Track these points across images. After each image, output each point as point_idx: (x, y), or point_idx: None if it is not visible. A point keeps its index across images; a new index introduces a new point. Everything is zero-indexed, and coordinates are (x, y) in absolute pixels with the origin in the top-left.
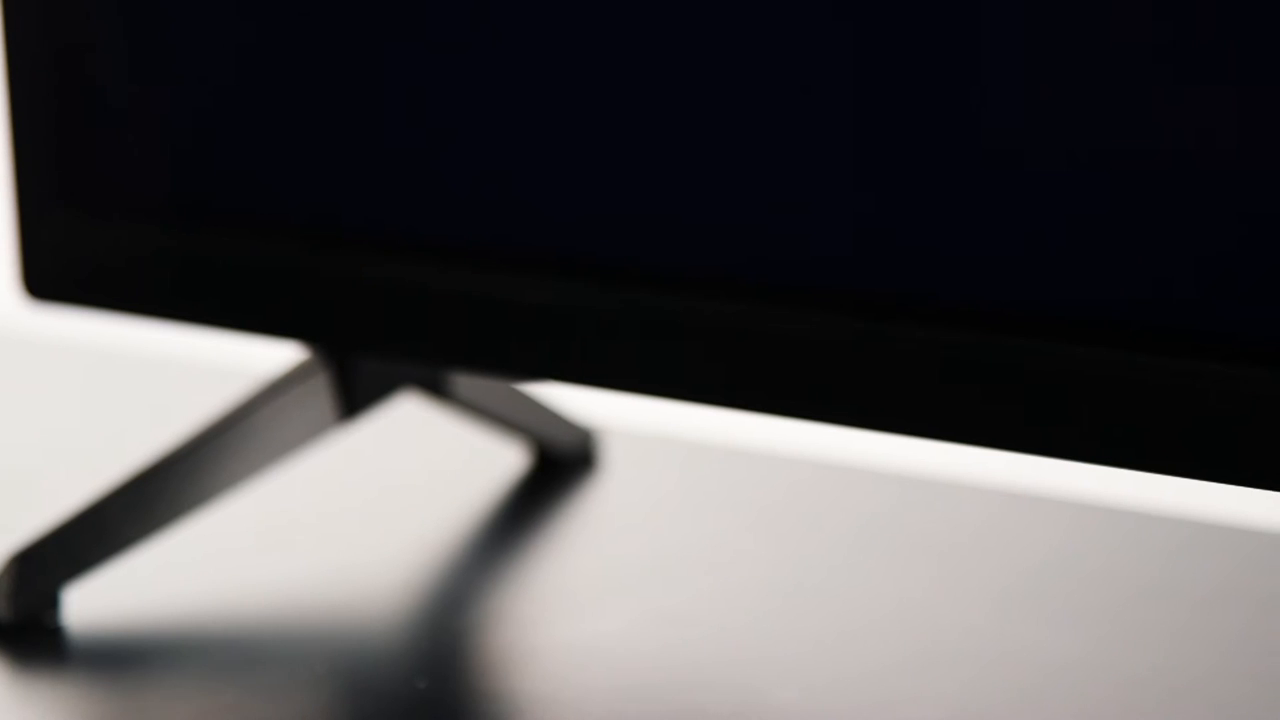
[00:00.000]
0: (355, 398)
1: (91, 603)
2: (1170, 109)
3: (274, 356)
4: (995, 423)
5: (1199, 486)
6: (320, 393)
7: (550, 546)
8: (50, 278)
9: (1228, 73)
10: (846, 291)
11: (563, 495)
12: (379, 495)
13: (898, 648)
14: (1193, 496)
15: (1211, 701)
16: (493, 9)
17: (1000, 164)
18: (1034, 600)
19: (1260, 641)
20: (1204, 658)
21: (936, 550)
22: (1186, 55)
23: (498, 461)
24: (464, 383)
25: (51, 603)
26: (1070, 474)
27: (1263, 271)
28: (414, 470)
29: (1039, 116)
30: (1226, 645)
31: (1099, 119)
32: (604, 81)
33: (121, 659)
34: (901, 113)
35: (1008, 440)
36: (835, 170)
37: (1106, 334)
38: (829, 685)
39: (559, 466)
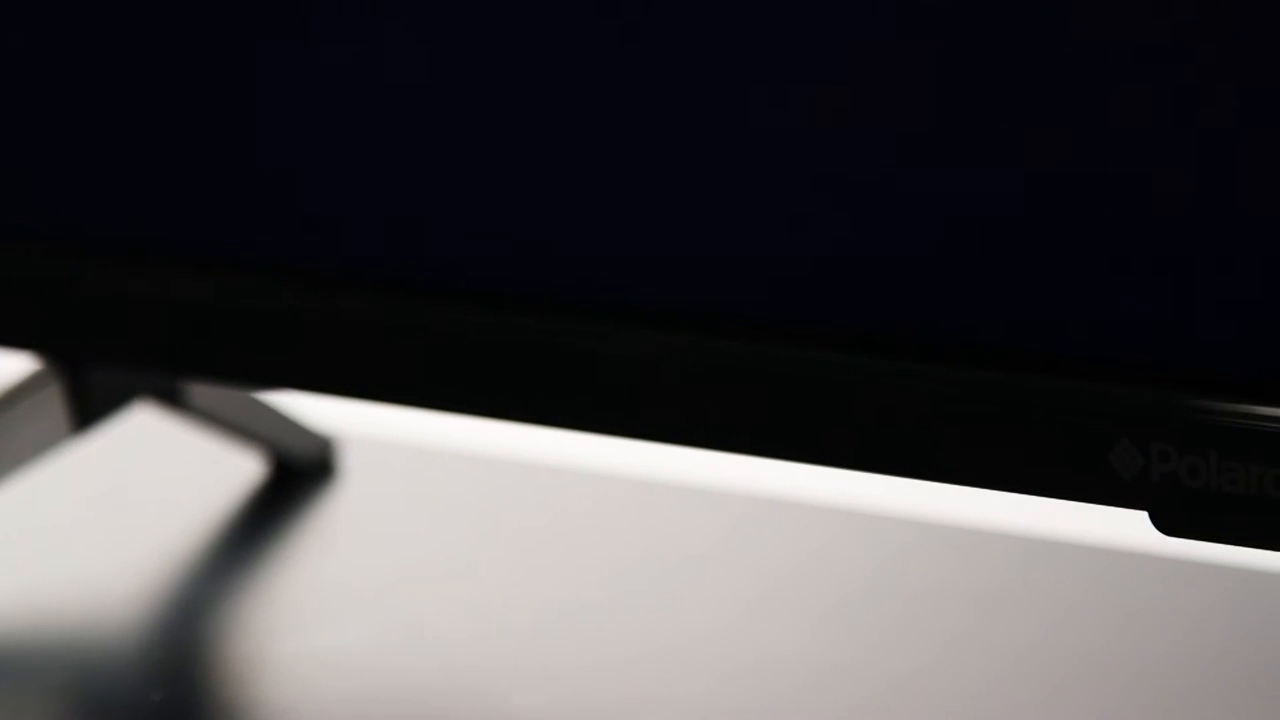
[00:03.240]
0: (89, 409)
1: None
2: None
3: (4, 368)
4: (737, 426)
5: (940, 489)
6: (53, 404)
7: (289, 556)
8: None
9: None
10: (581, 297)
11: (301, 504)
12: (114, 506)
13: (642, 652)
14: (938, 500)
15: (975, 699)
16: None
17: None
18: (779, 602)
19: (1014, 639)
20: (929, 654)
21: (681, 554)
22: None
23: (235, 471)
24: (199, 392)
25: None
26: (813, 478)
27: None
28: (150, 481)
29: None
30: (952, 641)
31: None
32: (325, 78)
33: None
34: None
35: (746, 446)
36: (541, 173)
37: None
38: (572, 692)
39: (297, 475)
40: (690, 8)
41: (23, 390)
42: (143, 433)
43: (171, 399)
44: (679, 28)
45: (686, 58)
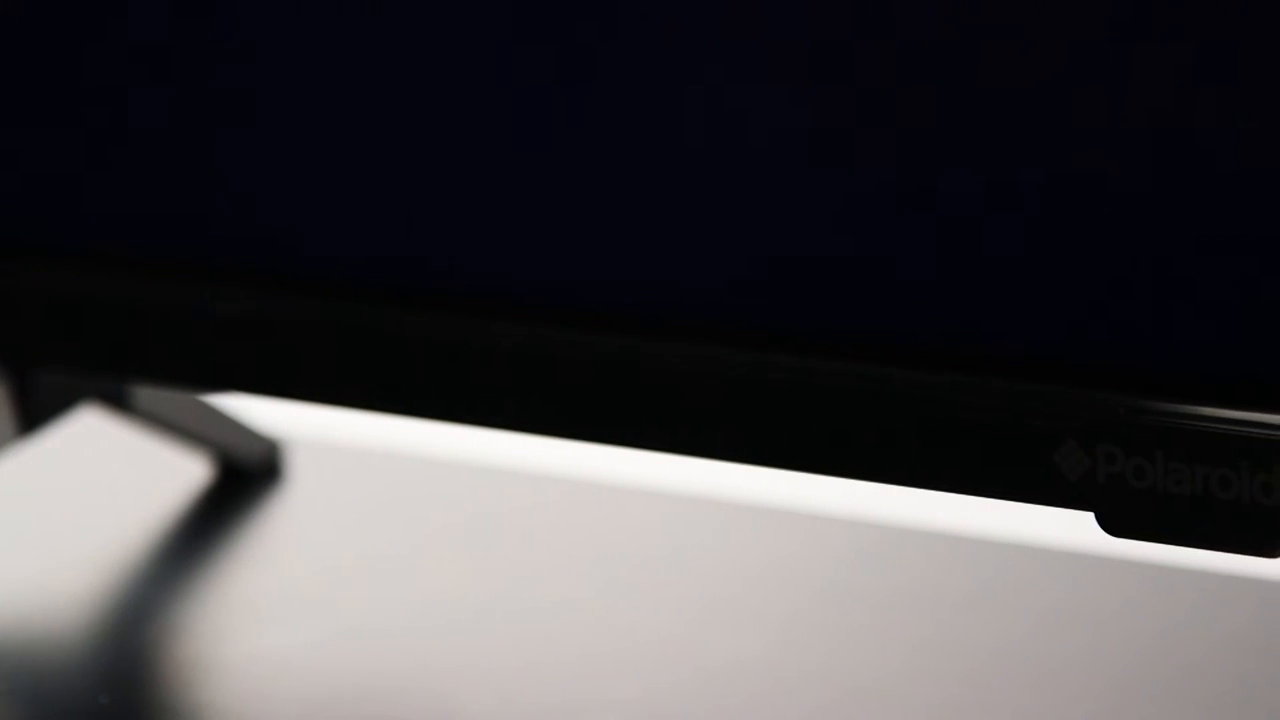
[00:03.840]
0: (35, 411)
1: None
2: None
3: None
4: (684, 429)
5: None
6: None
7: (236, 558)
8: None
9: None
10: (530, 300)
11: (248, 507)
12: (61, 510)
13: (592, 653)
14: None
15: (930, 703)
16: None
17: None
18: (731, 605)
19: (950, 643)
20: (890, 658)
21: (626, 556)
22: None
23: (182, 473)
24: (146, 395)
25: None
26: (766, 481)
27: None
28: (96, 484)
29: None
30: (914, 645)
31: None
32: (277, 82)
33: None
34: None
35: (693, 448)
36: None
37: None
38: (522, 692)
39: (244, 478)
40: (660, 12)
41: None
42: (89, 436)
43: (118, 402)
44: (642, 30)
45: (637, 59)
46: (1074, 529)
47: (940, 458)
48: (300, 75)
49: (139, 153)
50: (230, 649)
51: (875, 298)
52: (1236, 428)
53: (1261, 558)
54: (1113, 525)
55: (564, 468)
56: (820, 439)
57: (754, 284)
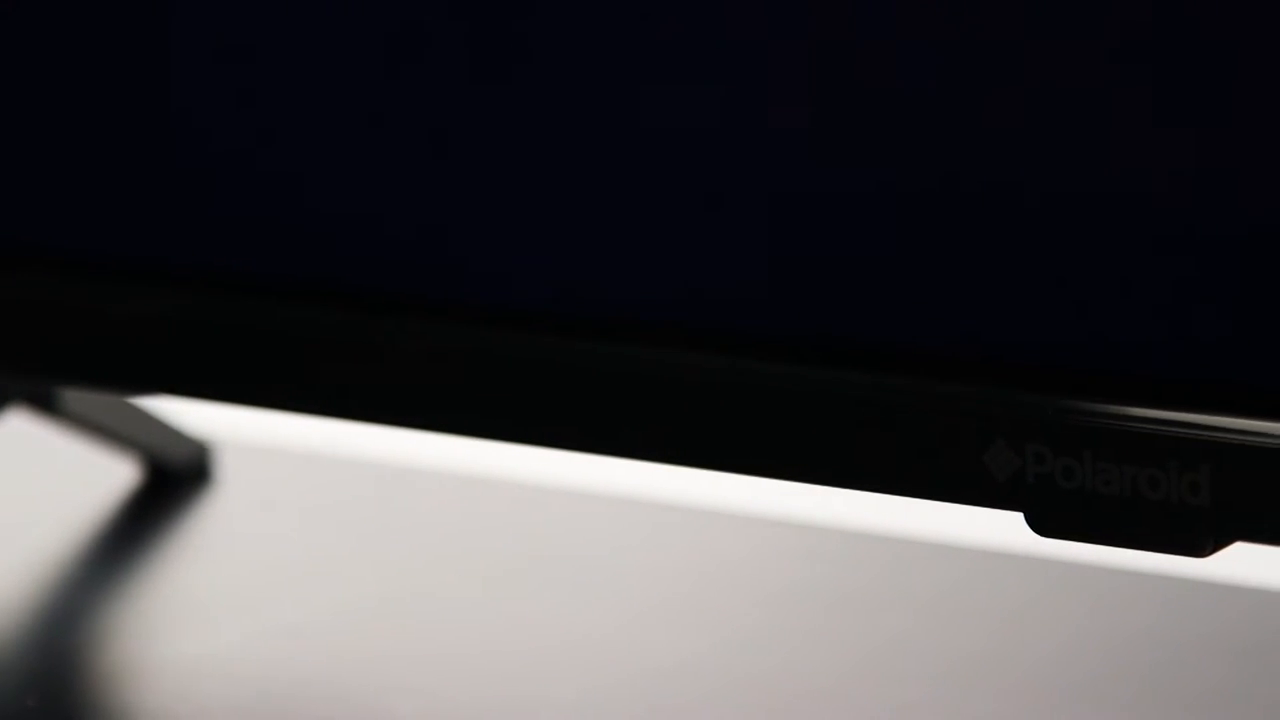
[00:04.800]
0: None
1: None
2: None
3: None
4: (610, 429)
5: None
6: None
7: (165, 561)
8: None
9: None
10: (463, 302)
11: (177, 509)
12: None
13: (523, 655)
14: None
15: (843, 700)
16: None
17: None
18: (662, 607)
19: (904, 644)
20: (838, 661)
21: (562, 558)
22: None
23: (110, 476)
24: (74, 397)
25: None
26: (693, 481)
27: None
28: (24, 487)
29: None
30: (861, 649)
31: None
32: (205, 75)
33: None
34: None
35: (617, 449)
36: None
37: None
38: (452, 695)
39: (173, 480)
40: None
41: None
42: (16, 438)
43: (45, 405)
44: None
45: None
46: (995, 526)
47: (869, 458)
48: (225, 68)
49: (62, 154)
50: (158, 651)
51: (802, 299)
52: (1164, 428)
53: (1190, 558)
54: (1042, 525)
55: (499, 469)
56: (748, 439)
57: (677, 286)
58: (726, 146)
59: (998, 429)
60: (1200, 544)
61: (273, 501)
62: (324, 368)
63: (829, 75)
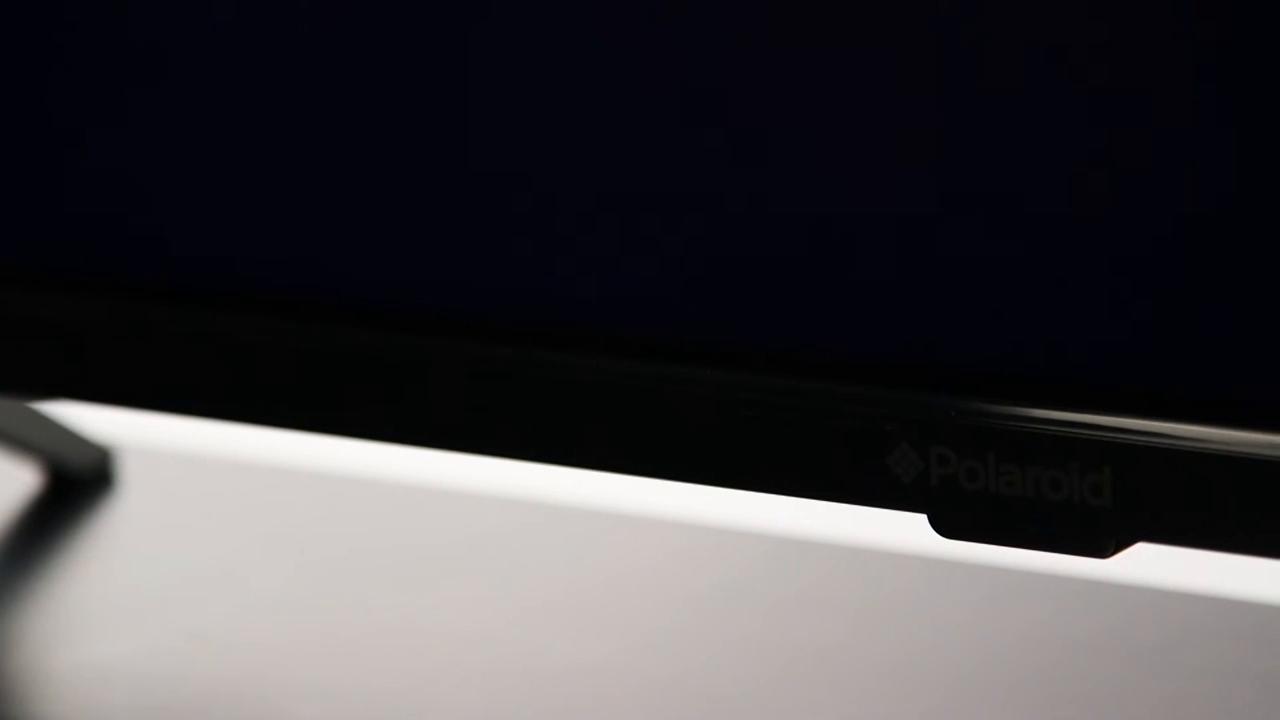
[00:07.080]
0: None
1: None
2: None
3: None
4: (508, 431)
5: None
6: None
7: (67, 566)
8: None
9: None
10: (370, 305)
11: (79, 514)
12: None
13: (427, 661)
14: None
15: (756, 702)
16: None
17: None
18: (563, 610)
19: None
20: (753, 662)
21: (473, 560)
22: None
23: (11, 482)
24: None
25: None
26: (593, 483)
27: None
28: None
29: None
30: (754, 648)
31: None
32: (112, 74)
33: None
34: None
35: (517, 451)
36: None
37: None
38: (357, 701)
39: (75, 485)
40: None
41: None
42: None
43: None
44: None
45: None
46: (903, 529)
47: (772, 460)
48: (130, 75)
49: None
50: (61, 658)
51: (703, 302)
52: (1066, 429)
53: (1092, 559)
54: (945, 527)
55: (401, 472)
56: (650, 443)
57: (577, 287)
58: (622, 147)
59: (902, 432)
60: (1102, 545)
61: (174, 506)
62: (217, 371)
63: (701, 81)
